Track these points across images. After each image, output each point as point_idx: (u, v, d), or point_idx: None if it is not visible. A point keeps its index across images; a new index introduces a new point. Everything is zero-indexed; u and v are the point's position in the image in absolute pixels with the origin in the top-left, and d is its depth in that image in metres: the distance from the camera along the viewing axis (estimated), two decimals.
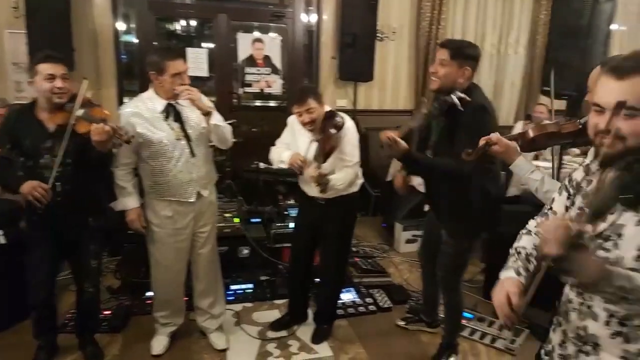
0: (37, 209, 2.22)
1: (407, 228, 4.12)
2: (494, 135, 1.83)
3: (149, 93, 2.43)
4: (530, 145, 1.92)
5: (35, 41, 3.45)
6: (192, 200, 2.50)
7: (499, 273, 1.30)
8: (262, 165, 3.87)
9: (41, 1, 3.49)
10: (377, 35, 4.78)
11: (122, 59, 4.39)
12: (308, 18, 4.81)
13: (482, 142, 1.83)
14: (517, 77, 5.55)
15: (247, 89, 4.73)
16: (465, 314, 3.00)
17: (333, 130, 2.46)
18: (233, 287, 3.32)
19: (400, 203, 4.15)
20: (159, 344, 2.69)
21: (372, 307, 3.18)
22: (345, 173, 2.55)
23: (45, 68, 2.20)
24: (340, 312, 3.06)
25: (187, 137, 2.43)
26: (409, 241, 4.12)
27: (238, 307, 3.16)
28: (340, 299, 3.11)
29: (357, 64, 4.67)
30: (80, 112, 2.21)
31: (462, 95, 2.12)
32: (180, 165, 2.42)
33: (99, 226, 2.52)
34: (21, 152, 2.25)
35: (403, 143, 2.17)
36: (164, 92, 2.37)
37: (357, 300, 3.24)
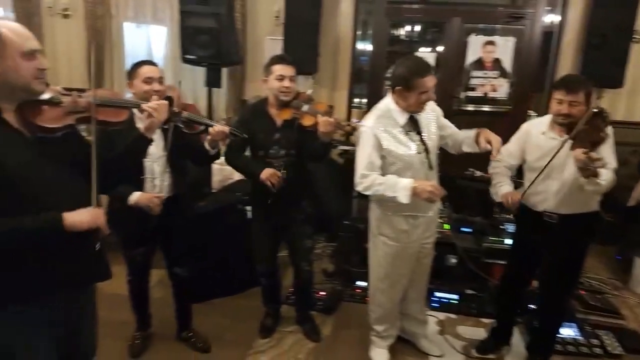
0: (270, 193, 2.50)
1: None
2: None
3: (390, 104, 2.33)
4: None
5: (289, 47, 3.93)
6: (430, 214, 2.45)
7: None
8: (477, 173, 3.72)
9: (298, 11, 3.93)
10: (634, 36, 4.10)
11: (357, 64, 4.67)
12: (549, 18, 4.41)
13: None
14: None
15: (470, 93, 4.58)
16: None
17: (602, 124, 2.19)
18: (437, 294, 3.30)
19: None
20: (381, 358, 2.68)
21: (597, 350, 2.79)
22: (608, 172, 2.15)
23: (277, 69, 2.47)
24: (557, 347, 2.76)
25: (426, 150, 2.37)
26: None
27: (441, 315, 3.13)
28: (559, 333, 2.80)
29: (603, 67, 4.08)
30: (305, 107, 2.45)
31: None
32: (421, 179, 2.30)
33: (313, 210, 2.74)
34: (253, 143, 2.58)
35: None
36: (408, 105, 2.28)
37: (580, 338, 2.88)
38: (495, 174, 2.53)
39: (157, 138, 2.34)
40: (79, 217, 1.41)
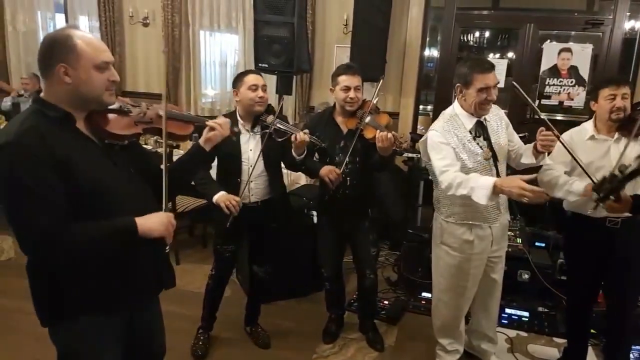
0: (329, 190, 2.54)
1: None
2: None
3: (456, 108, 2.29)
4: None
5: (356, 54, 3.94)
6: (497, 225, 2.35)
7: None
8: None
9: (366, 19, 3.93)
10: None
11: (425, 70, 4.65)
12: (630, 25, 4.19)
13: None
14: None
15: (544, 101, 4.42)
16: None
17: None
18: (507, 310, 3.20)
19: None
20: None
21: None
22: None
23: (343, 80, 2.49)
24: None
25: (495, 157, 2.29)
26: None
27: (511, 333, 3.03)
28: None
29: None
30: (367, 118, 2.45)
31: None
32: None
33: (378, 218, 2.74)
34: (320, 150, 2.60)
35: None
36: (469, 106, 2.23)
37: None
38: (556, 177, 2.31)
39: (255, 144, 2.50)
40: (151, 225, 1.40)
